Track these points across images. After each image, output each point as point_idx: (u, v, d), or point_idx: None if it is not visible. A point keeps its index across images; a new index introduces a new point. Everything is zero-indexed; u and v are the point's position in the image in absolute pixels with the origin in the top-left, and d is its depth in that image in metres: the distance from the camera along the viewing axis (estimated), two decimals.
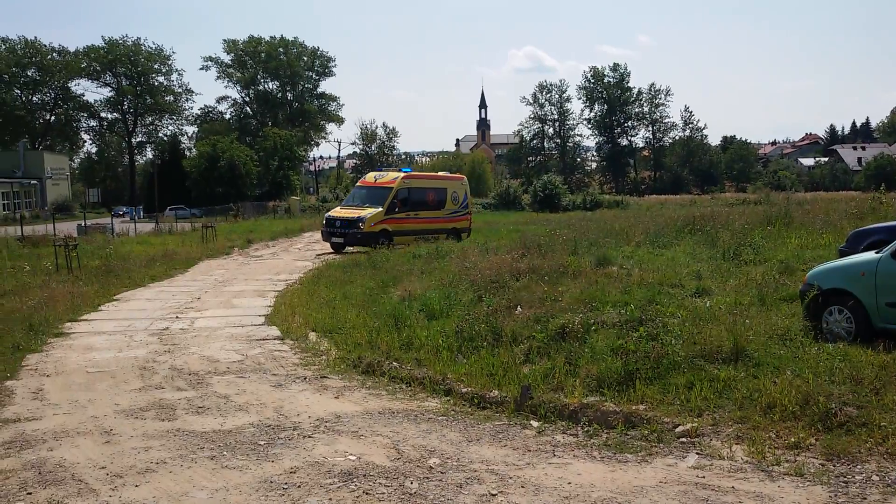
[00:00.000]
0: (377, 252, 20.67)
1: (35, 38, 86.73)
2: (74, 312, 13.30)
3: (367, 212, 25.00)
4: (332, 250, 25.42)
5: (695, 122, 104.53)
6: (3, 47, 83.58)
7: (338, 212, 26.27)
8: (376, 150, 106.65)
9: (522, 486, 5.42)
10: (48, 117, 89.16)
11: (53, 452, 6.33)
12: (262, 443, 6.51)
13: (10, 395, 8.29)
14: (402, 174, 27.28)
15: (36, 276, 17.43)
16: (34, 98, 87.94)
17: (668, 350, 7.53)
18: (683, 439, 6.26)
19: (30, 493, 5.42)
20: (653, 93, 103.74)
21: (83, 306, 13.93)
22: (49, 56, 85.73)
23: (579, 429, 6.77)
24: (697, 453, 5.99)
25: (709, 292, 10.36)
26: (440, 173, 34.08)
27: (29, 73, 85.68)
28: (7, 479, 5.69)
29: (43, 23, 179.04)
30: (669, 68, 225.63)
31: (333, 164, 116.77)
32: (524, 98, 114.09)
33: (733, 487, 5.30)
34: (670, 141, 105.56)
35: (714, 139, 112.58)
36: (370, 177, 28.51)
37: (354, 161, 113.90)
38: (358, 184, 29.05)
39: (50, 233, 29.45)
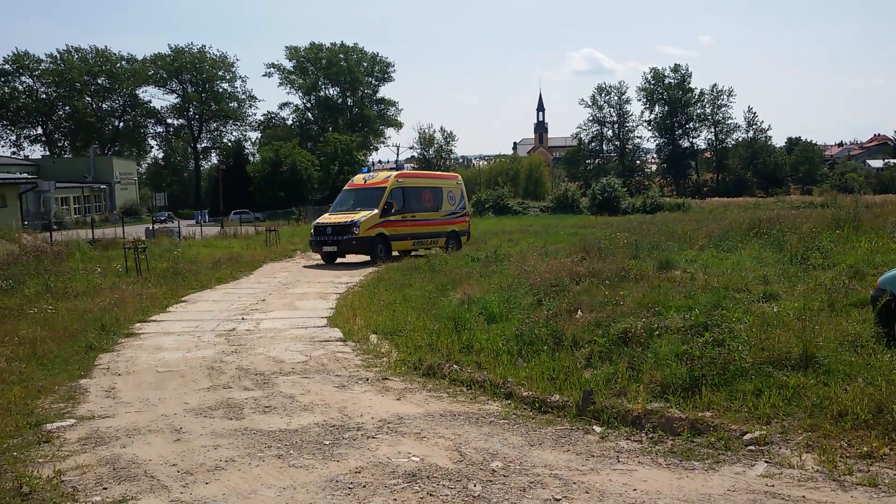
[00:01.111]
0: (435, 256, 20.73)
1: (105, 46, 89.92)
2: (144, 313, 13.71)
3: (361, 215, 22.99)
4: (327, 261, 23.78)
5: (758, 123, 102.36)
6: (76, 56, 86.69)
7: (327, 218, 24.03)
8: (434, 154, 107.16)
9: (587, 492, 5.39)
10: (117, 124, 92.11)
11: (126, 449, 6.54)
12: (327, 442, 6.62)
13: (84, 393, 8.59)
14: (394, 173, 25.44)
15: (107, 278, 18.01)
16: (104, 105, 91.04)
17: (735, 356, 7.39)
18: (751, 447, 6.14)
19: (105, 489, 5.61)
20: (715, 93, 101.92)
21: (152, 307, 14.35)
22: (118, 64, 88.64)
23: (643, 435, 6.69)
24: (766, 461, 5.87)
25: (776, 297, 10.12)
26: (434, 172, 32.77)
27: (99, 81, 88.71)
28: (84, 474, 5.90)
29: (112, 32, 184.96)
30: (732, 68, 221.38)
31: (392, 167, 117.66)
32: (582, 100, 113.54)
33: (804, 497, 5.18)
34: (733, 142, 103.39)
35: (779, 140, 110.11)
36: (359, 178, 26.00)
37: (412, 165, 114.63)
38: (346, 187, 26.24)
39: (119, 236, 30.40)
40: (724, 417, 6.64)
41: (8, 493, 5.40)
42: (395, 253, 24.13)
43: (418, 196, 25.43)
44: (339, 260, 23.55)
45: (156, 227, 40.28)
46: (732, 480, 5.54)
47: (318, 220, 24.26)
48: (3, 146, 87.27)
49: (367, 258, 23.24)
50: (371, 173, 26.15)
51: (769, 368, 7.26)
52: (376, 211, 23.27)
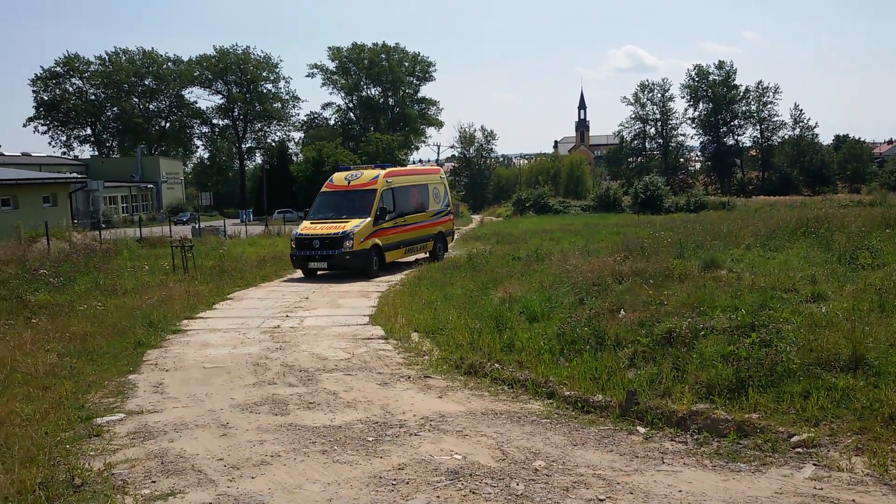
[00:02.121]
0: (477, 255, 20.68)
1: (152, 48, 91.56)
2: (191, 310, 13.96)
3: (353, 224, 19.48)
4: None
5: (805, 121, 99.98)
6: (124, 58, 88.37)
7: (310, 227, 19.96)
8: (474, 153, 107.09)
9: (631, 493, 5.36)
10: (164, 124, 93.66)
11: (174, 444, 6.67)
12: (370, 439, 6.67)
13: (133, 388, 8.79)
14: (381, 172, 21.52)
15: (154, 276, 18.37)
16: (151, 106, 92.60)
17: (783, 357, 7.27)
18: (799, 449, 6.04)
19: (154, 482, 5.74)
20: (760, 90, 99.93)
21: (199, 305, 14.60)
22: (164, 65, 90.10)
23: (688, 436, 6.62)
24: (814, 464, 5.76)
25: (824, 297, 9.91)
26: (418, 167, 28.63)
27: (146, 83, 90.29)
28: (133, 468, 6.04)
29: (158, 33, 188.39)
30: (777, 64, 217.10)
31: None
32: (625, 98, 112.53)
33: (853, 501, 5.09)
34: (779, 140, 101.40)
35: (826, 138, 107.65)
36: (339, 178, 21.89)
37: (453, 164, 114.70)
38: (325, 188, 22.00)
39: (166, 234, 30.96)
40: (771, 419, 6.54)
41: (61, 485, 5.56)
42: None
43: (407, 197, 22.14)
44: (320, 273, 20.12)
45: (174, 227, 40.43)
46: (780, 483, 5.46)
47: (298, 231, 20.13)
48: (54, 146, 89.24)
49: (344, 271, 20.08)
50: (353, 172, 21.94)
51: (817, 370, 7.12)
52: (369, 219, 19.84)
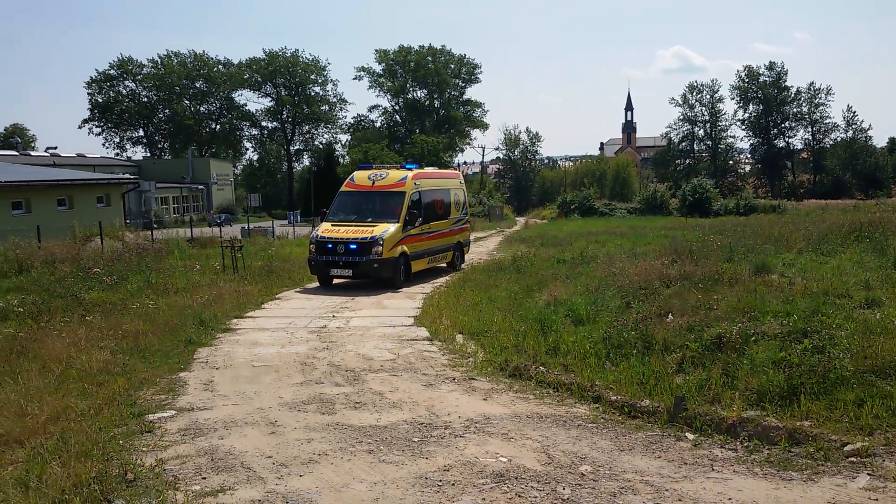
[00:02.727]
0: (521, 257, 20.59)
1: (203, 51, 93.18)
2: (240, 310, 14.18)
3: (382, 229, 17.66)
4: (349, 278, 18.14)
5: (858, 123, 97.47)
6: (175, 61, 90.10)
7: (332, 230, 18.02)
8: (519, 155, 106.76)
9: (680, 500, 5.29)
10: (214, 126, 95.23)
11: (224, 441, 6.78)
12: (415, 440, 6.70)
13: (183, 385, 8.95)
14: (411, 172, 19.64)
15: (205, 275, 18.68)
16: (202, 108, 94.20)
17: (836, 364, 7.11)
18: (853, 459, 5.90)
19: (204, 478, 5.84)
20: (812, 92, 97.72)
21: (248, 304, 14.82)
22: (215, 68, 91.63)
23: (738, 443, 6.52)
24: (869, 474, 5.62)
25: (879, 303, 9.64)
26: (442, 170, 25.61)
27: (197, 85, 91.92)
28: (184, 464, 6.16)
29: (210, 36, 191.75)
30: (830, 65, 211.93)
31: (476, 169, 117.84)
32: (673, 99, 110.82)
33: None
34: (831, 143, 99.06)
35: (880, 140, 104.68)
36: (362, 177, 19.78)
37: (497, 166, 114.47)
38: (345, 188, 19.84)
39: (216, 235, 31.48)
40: (823, 427, 6.40)
41: (114, 479, 5.69)
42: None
43: (432, 201, 20.19)
44: (338, 281, 18.47)
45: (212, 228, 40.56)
46: (833, 493, 5.34)
47: (318, 233, 18.17)
48: (107, 148, 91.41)
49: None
50: (377, 171, 19.90)
51: (872, 377, 6.95)
52: (398, 224, 18.05)
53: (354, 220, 18.47)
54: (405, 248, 18.22)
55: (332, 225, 18.32)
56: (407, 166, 20.53)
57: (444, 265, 21.25)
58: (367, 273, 17.54)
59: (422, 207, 19.16)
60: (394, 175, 19.42)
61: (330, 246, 17.56)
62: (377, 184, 19.25)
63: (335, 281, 18.20)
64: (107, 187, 37.65)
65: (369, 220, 18.21)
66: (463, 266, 21.80)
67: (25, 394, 7.90)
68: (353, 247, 17.38)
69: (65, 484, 5.50)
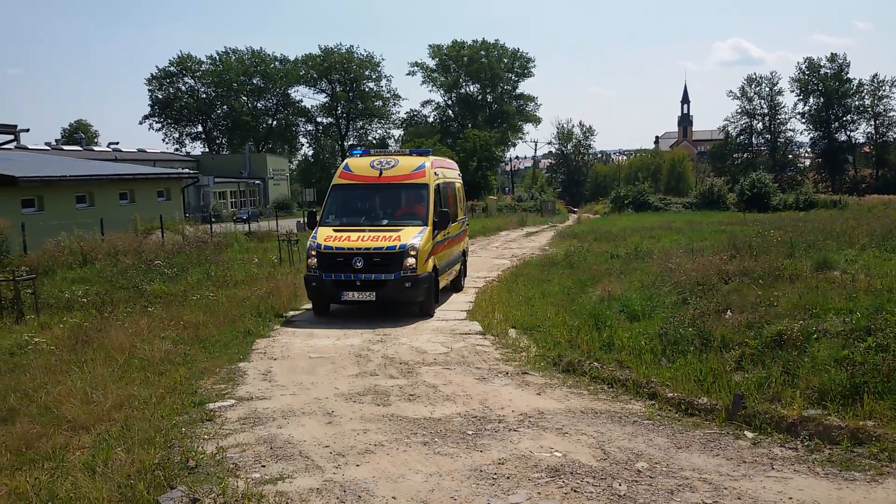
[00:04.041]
0: (574, 252, 20.41)
1: (260, 48, 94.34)
2: (297, 302, 14.38)
3: (410, 234, 13.12)
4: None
5: None
6: (233, 58, 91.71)
7: (340, 238, 13.12)
8: (572, 149, 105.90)
9: (739, 498, 5.21)
10: (270, 122, 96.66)
11: (282, 430, 6.91)
12: (470, 433, 6.73)
13: (242, 375, 9.14)
14: (428, 159, 14.85)
15: (262, 268, 19.00)
16: (259, 104, 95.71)
17: None
18: None
19: (263, 466, 5.96)
20: (876, 84, 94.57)
21: (303, 297, 14.97)
22: (272, 65, 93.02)
23: (799, 442, 6.38)
24: None
25: None
26: (443, 158, 18.07)
27: (254, 82, 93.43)
28: (244, 452, 6.29)
29: (267, 33, 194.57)
30: (894, 56, 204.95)
31: (528, 163, 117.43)
32: (731, 92, 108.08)
33: None
34: (895, 136, 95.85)
35: None
36: (362, 165, 14.61)
37: (550, 161, 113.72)
38: (341, 179, 14.61)
39: (273, 229, 31.97)
40: (888, 428, 6.22)
41: (177, 466, 5.84)
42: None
43: (446, 197, 15.42)
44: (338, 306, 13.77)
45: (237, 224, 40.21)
46: None
47: (320, 241, 13.16)
48: (167, 143, 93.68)
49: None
50: (381, 158, 14.80)
51: None
52: (427, 227, 13.48)
53: (365, 223, 13.74)
54: (435, 261, 13.69)
55: (336, 231, 13.37)
56: (414, 152, 15.59)
57: (448, 283, 15.68)
58: (397, 296, 12.78)
59: (439, 205, 14.38)
60: (407, 162, 14.55)
61: (340, 259, 12.70)
62: (386, 174, 14.21)
63: (346, 295, 12.86)
64: (167, 182, 38.49)
65: (384, 222, 13.71)
66: (464, 284, 17.00)
67: (91, 382, 8.15)
68: (376, 260, 12.65)
69: (129, 469, 5.66)
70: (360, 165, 14.59)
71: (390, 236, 13.01)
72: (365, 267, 12.67)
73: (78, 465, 5.85)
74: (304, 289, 13.69)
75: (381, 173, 14.26)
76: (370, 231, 13.31)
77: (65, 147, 65.26)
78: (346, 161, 15.07)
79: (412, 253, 12.71)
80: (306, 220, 14.77)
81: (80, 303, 13.43)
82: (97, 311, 12.60)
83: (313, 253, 13.04)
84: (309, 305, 14.09)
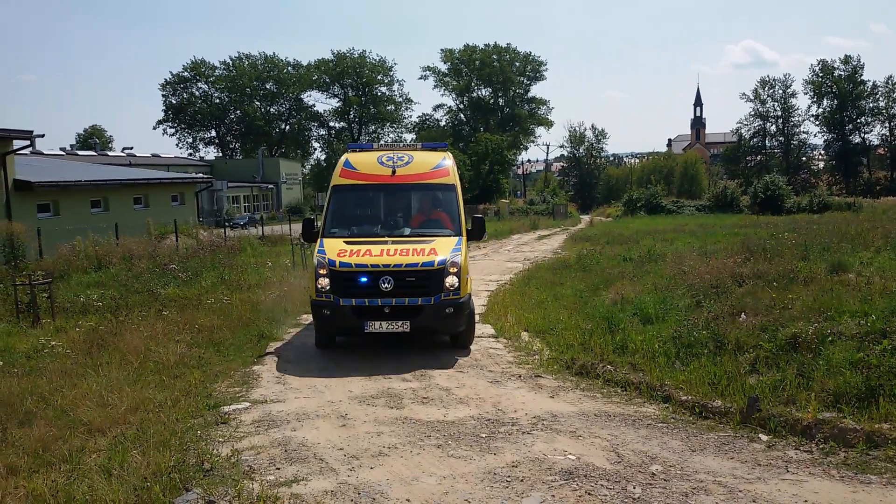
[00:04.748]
0: (587, 255, 20.37)
1: (273, 53, 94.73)
2: (309, 305, 14.39)
3: (445, 245, 10.55)
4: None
5: None
6: (246, 63, 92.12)
7: (357, 252, 10.33)
8: (584, 152, 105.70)
9: (753, 501, 5.19)
10: (283, 127, 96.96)
11: (296, 433, 6.94)
12: (483, 435, 6.74)
13: (257, 378, 9.18)
14: (447, 155, 12.25)
15: (276, 272, 19.07)
16: (272, 109, 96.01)
17: None
18: None
19: (278, 469, 5.98)
20: (890, 86, 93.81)
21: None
22: (285, 70, 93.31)
23: (814, 445, 6.34)
24: None
25: None
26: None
27: (267, 87, 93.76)
28: (259, 454, 6.32)
29: (280, 38, 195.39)
30: None
31: (540, 167, 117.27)
32: (744, 94, 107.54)
33: None
34: None
35: None
36: (368, 163, 11.89)
37: (562, 164, 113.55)
38: (342, 179, 11.77)
39: (286, 232, 32.08)
40: None
41: (192, 468, 5.87)
42: None
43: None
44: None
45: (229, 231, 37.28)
46: None
47: (332, 257, 10.29)
48: (181, 148, 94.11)
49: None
50: (390, 153, 12.04)
51: None
52: (461, 238, 10.99)
53: (381, 232, 11.15)
54: (469, 277, 11.05)
55: (348, 243, 10.60)
56: (427, 145, 12.67)
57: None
58: (436, 325, 10.26)
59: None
60: (424, 159, 11.95)
61: (364, 280, 9.93)
62: (401, 172, 11.56)
63: (371, 326, 9.95)
64: (181, 186, 38.70)
65: (405, 232, 11.11)
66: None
67: (106, 385, 8.21)
68: (409, 280, 9.97)
69: (145, 472, 5.70)
70: (365, 162, 11.85)
71: (423, 249, 10.29)
72: (395, 289, 9.87)
73: (94, 467, 5.89)
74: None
75: (393, 171, 11.56)
76: (394, 243, 10.49)
77: (80, 152, 65.74)
78: (345, 157, 12.10)
79: (453, 270, 10.07)
80: (302, 231, 11.71)
81: (96, 307, 13.53)
82: (112, 314, 12.68)
83: (323, 272, 10.09)
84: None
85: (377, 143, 12.40)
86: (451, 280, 10.04)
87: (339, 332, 10.56)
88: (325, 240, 10.92)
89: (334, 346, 10.89)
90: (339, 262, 10.08)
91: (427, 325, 10.17)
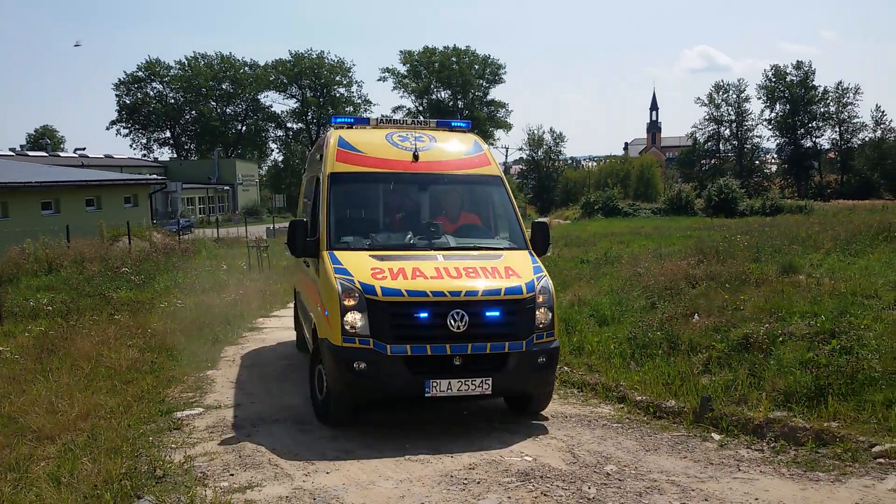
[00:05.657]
0: (543, 257, 20.37)
1: (230, 53, 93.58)
2: (266, 308, 14.30)
3: (519, 264, 7.47)
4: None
5: (887, 122, 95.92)
6: (202, 63, 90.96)
7: (403, 273, 6.90)
8: (542, 155, 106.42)
9: (706, 500, 5.27)
10: (240, 128, 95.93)
11: (251, 438, 6.84)
12: (441, 438, 6.73)
13: (211, 383, 9.06)
14: (472, 135, 9.08)
15: (231, 275, 18.85)
16: (228, 110, 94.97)
17: (864, 365, 7.04)
18: (881, 460, 5.84)
19: (232, 475, 5.89)
20: (840, 91, 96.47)
21: (274, 303, 14.93)
22: (241, 70, 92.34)
23: (764, 444, 6.48)
24: None
25: None
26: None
27: (224, 87, 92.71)
28: (212, 461, 6.22)
29: (236, 38, 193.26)
30: (858, 65, 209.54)
31: None
32: (699, 99, 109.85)
33: None
34: (859, 142, 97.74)
35: None
36: (377, 144, 8.34)
37: (521, 167, 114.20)
38: (345, 166, 8.07)
39: (242, 235, 31.74)
40: (851, 428, 6.34)
41: (144, 475, 5.76)
42: None
43: None
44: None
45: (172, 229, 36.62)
46: (860, 493, 5.30)
47: (370, 279, 6.84)
48: (135, 149, 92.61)
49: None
50: (400, 130, 8.76)
51: None
52: (529, 251, 8.00)
53: (418, 243, 7.78)
54: None
55: (379, 258, 7.29)
56: (442, 123, 9.33)
57: None
58: (524, 386, 7.23)
59: None
60: (450, 141, 8.80)
61: (424, 316, 6.78)
62: (425, 157, 8.28)
63: (436, 387, 6.74)
64: (134, 188, 38.07)
65: (450, 244, 7.79)
66: None
67: (56, 391, 8.02)
68: (492, 314, 6.92)
69: (95, 479, 5.58)
70: (370, 142, 8.43)
71: (495, 268, 7.27)
72: (470, 329, 6.75)
73: (42, 475, 5.74)
74: (275, 295, 13.67)
75: (415, 156, 8.23)
76: (446, 259, 7.35)
77: (30, 153, 64.17)
78: (334, 133, 8.52)
79: (543, 299, 7.19)
80: (290, 240, 7.80)
81: (46, 311, 13.22)
82: (63, 319, 12.41)
83: (352, 303, 6.74)
84: (278, 311, 13.94)
85: (373, 118, 9.15)
86: (543, 314, 7.15)
87: (382, 396, 6.98)
88: (336, 253, 7.39)
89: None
90: (381, 286, 6.77)
91: (512, 385, 7.08)
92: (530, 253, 7.91)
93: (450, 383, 6.66)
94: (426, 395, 6.63)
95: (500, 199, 8.51)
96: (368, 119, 9.13)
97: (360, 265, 7.08)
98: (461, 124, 9.26)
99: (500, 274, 7.16)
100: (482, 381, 6.72)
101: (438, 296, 6.72)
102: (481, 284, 6.93)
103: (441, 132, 9.01)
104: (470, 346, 6.70)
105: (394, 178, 8.28)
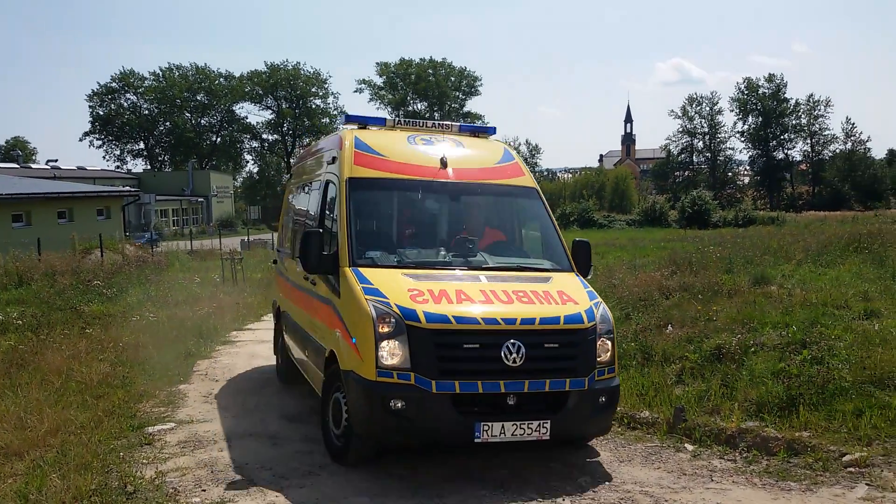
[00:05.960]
0: None
1: (205, 64, 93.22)
2: (240, 322, 14.17)
3: (573, 289, 6.67)
4: None
5: (857, 134, 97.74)
6: (177, 74, 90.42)
7: (447, 296, 6.00)
8: None
9: None
10: (215, 139, 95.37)
11: (224, 453, 6.77)
12: (414, 452, 6.69)
13: (183, 398, 8.94)
14: (499, 143, 8.33)
15: (204, 288, 18.68)
16: (202, 121, 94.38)
17: (835, 375, 7.14)
18: (851, 469, 5.92)
19: (204, 490, 5.82)
20: (811, 104, 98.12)
21: (248, 316, 14.80)
22: (216, 81, 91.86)
23: (737, 454, 6.54)
24: (867, 484, 5.64)
25: (878, 314, 9.66)
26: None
27: (198, 98, 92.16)
28: (184, 476, 6.15)
29: (211, 49, 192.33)
30: (828, 78, 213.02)
31: None
32: (672, 111, 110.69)
33: None
34: (830, 154, 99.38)
35: (879, 152, 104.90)
36: (395, 146, 7.55)
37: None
38: (357, 168, 7.10)
39: (216, 247, 31.51)
40: (822, 438, 6.43)
41: (114, 492, 5.68)
42: None
43: None
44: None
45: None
46: (831, 503, 5.37)
47: (409, 302, 5.89)
48: (108, 160, 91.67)
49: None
50: (422, 133, 8.15)
51: (870, 388, 6.98)
52: (576, 273, 7.27)
53: (454, 261, 6.87)
54: None
55: (409, 276, 6.38)
56: (466, 128, 8.51)
57: None
58: (584, 428, 6.40)
59: None
60: (477, 148, 8.05)
61: (475, 347, 5.87)
62: (453, 165, 7.38)
63: (487, 430, 5.80)
64: (107, 200, 37.72)
65: (488, 263, 6.89)
66: None
67: (25, 406, 7.88)
68: (551, 346, 6.08)
69: (65, 496, 5.49)
70: (392, 146, 7.59)
71: (547, 293, 6.45)
72: (526, 363, 5.85)
73: (10, 493, 5.65)
74: (249, 308, 13.75)
75: (444, 163, 7.33)
76: (489, 279, 6.53)
77: (1, 165, 63.36)
78: (349, 133, 7.69)
79: (604, 329, 6.39)
80: (302, 253, 6.67)
81: (15, 325, 12.98)
82: (33, 332, 12.20)
83: (388, 329, 5.81)
84: (252, 325, 13.91)
85: (389, 119, 8.48)
86: (603, 347, 6.30)
87: (421, 441, 6.02)
88: (362, 270, 6.39)
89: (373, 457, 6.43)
90: (424, 311, 5.84)
91: (570, 429, 6.18)
92: (577, 275, 7.15)
93: (503, 426, 5.71)
94: (475, 440, 5.68)
95: (538, 214, 7.71)
96: (384, 119, 8.43)
97: (394, 285, 6.13)
98: (487, 129, 8.48)
99: (555, 300, 6.31)
100: (539, 425, 5.78)
101: (491, 323, 5.84)
102: (537, 311, 6.06)
103: (466, 137, 8.24)
104: (527, 382, 5.79)
105: (421, 186, 7.32)
